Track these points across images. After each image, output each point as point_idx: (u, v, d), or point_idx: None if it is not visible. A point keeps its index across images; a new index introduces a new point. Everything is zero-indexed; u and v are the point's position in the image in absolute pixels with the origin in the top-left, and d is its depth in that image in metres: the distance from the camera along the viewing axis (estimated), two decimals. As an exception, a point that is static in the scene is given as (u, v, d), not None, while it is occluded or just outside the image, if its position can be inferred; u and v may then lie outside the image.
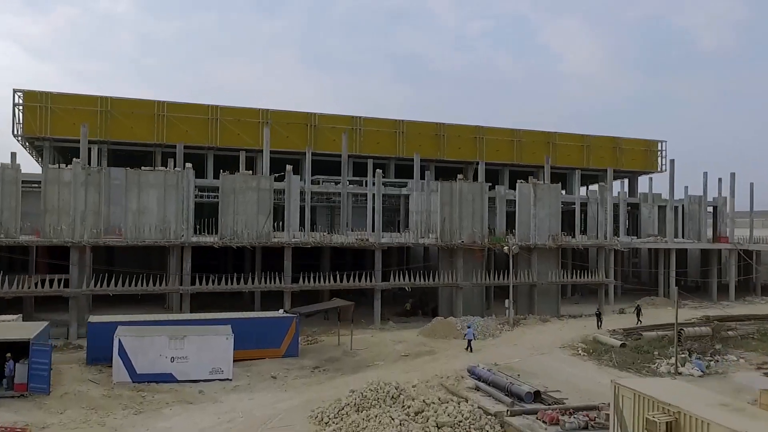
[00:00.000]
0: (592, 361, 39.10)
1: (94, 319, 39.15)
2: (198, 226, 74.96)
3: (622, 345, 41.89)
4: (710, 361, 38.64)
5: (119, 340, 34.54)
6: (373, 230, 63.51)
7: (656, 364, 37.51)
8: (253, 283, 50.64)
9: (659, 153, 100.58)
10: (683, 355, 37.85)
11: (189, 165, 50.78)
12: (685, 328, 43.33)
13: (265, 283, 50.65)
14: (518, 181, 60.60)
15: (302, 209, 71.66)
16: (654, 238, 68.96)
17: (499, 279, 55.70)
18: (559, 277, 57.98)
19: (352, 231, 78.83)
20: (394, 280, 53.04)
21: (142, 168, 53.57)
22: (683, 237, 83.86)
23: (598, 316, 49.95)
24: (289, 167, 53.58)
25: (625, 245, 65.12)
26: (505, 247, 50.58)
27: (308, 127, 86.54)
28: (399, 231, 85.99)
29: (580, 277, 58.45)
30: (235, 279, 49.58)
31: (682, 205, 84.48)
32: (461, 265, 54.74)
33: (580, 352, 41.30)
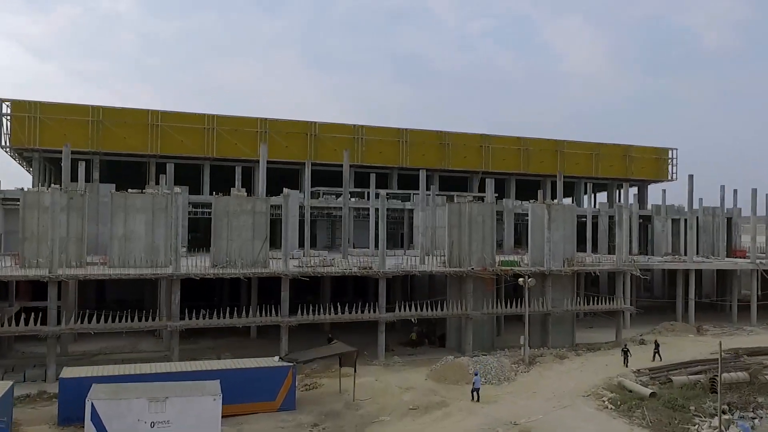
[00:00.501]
0: (622, 418, 34.34)
1: (66, 373, 34.38)
2: (192, 247, 70.30)
3: (652, 394, 37.17)
4: (754, 419, 33.99)
5: (92, 404, 29.82)
6: (376, 247, 58.97)
7: (696, 426, 32.78)
8: (247, 315, 45.96)
9: (670, 161, 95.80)
10: (726, 417, 33.10)
11: (178, 189, 45.97)
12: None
13: (261, 315, 45.95)
14: (530, 201, 55.77)
15: (302, 223, 67.17)
16: (671, 256, 64.19)
17: (511, 307, 51.01)
18: (575, 304, 53.24)
19: (353, 247, 74.27)
20: (400, 311, 48.32)
21: (129, 190, 48.75)
22: (698, 252, 79.06)
23: (625, 353, 45.20)
24: (286, 191, 48.76)
25: (642, 266, 60.32)
26: (521, 280, 45.81)
27: (308, 137, 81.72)
28: (402, 245, 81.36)
29: (597, 304, 53.67)
30: (227, 313, 44.85)
31: (696, 218, 79.75)
32: (471, 294, 49.98)
33: (606, 403, 36.54)
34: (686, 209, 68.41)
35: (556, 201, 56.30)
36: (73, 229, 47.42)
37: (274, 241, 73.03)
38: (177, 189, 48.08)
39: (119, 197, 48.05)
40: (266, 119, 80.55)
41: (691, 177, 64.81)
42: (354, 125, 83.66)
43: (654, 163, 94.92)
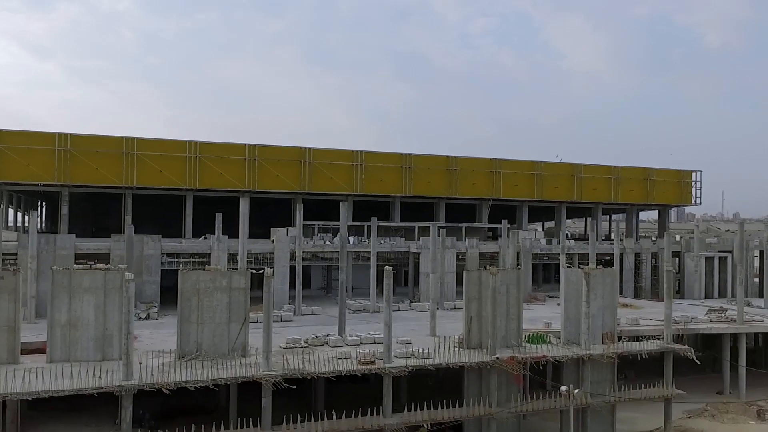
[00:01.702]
0: None
1: None
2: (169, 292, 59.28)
3: None
4: None
5: None
6: (379, 294, 48.29)
7: None
8: (219, 429, 35.05)
9: (693, 185, 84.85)
10: None
11: (130, 275, 34.72)
12: None
13: (237, 428, 35.08)
14: (564, 265, 44.90)
15: (294, 265, 56.36)
16: (718, 314, 53.42)
17: (542, 398, 40.24)
18: (617, 390, 42.42)
19: (352, 291, 63.47)
20: (408, 411, 37.50)
21: (75, 267, 37.82)
22: (732, 292, 68.53)
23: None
24: (268, 271, 37.54)
25: (685, 331, 49.33)
26: (563, 388, 34.84)
27: (302, 164, 70.68)
28: (405, 282, 70.44)
29: (643, 387, 42.88)
30: (193, 428, 33.98)
31: (731, 254, 69.26)
32: (495, 388, 39.15)
33: None
34: (738, 252, 57.21)
35: (594, 266, 45.30)
36: (4, 316, 36.36)
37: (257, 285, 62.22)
38: (129, 274, 37.02)
39: (62, 275, 37.20)
40: (255, 146, 69.55)
41: (741, 224, 53.80)
42: (352, 151, 72.70)
43: (676, 187, 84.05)
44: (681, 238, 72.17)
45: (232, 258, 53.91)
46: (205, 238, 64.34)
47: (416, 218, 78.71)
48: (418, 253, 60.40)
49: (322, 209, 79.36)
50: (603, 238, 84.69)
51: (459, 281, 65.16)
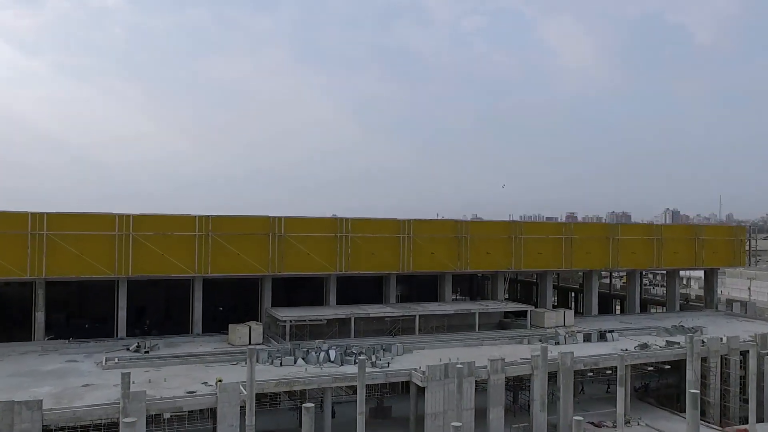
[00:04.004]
0: None
1: None
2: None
3: None
4: None
5: None
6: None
7: None
8: None
9: (747, 243, 65.22)
10: None
11: None
12: None
13: None
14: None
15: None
16: None
17: None
18: None
19: (332, 422, 43.73)
20: None
21: None
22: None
23: None
24: None
25: None
26: None
27: (270, 238, 50.45)
28: (405, 390, 50.56)
29: None
30: None
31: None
32: None
33: None
34: None
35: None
36: None
37: None
38: None
39: None
40: (208, 216, 49.47)
41: None
42: (336, 219, 52.88)
43: (727, 247, 64.54)
44: (756, 335, 51.97)
45: (155, 419, 33.83)
46: (144, 329, 44.35)
47: (416, 292, 59.17)
48: (423, 387, 40.44)
49: (298, 282, 59.13)
50: (638, 308, 65.04)
51: (478, 416, 44.89)
